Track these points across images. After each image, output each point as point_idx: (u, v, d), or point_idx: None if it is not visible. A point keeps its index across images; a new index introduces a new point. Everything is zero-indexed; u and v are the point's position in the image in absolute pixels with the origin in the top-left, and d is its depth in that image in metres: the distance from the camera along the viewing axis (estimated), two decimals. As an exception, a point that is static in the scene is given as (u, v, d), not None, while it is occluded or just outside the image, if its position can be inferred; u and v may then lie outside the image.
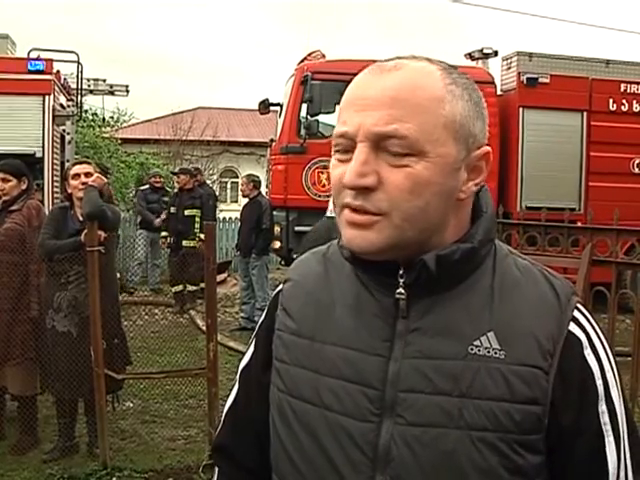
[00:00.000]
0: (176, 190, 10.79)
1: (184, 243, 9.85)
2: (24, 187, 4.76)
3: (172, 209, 10.27)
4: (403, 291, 1.02)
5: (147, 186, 11.81)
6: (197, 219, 9.94)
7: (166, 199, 11.42)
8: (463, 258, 1.02)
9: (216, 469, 1.25)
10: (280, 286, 1.20)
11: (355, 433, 1.01)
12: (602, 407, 0.99)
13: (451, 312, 1.02)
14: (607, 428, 0.99)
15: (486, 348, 0.99)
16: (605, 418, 0.99)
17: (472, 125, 1.02)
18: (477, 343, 0.99)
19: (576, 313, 1.03)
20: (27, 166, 5.18)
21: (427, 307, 1.02)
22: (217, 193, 14.91)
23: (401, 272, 1.02)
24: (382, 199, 0.97)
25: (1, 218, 4.70)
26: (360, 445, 1.00)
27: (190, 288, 9.88)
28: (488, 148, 1.05)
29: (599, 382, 1.00)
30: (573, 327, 1.01)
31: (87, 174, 4.62)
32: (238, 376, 1.23)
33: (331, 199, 4.60)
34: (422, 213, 0.99)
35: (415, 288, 1.02)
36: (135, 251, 11.56)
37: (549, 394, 0.97)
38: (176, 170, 11.55)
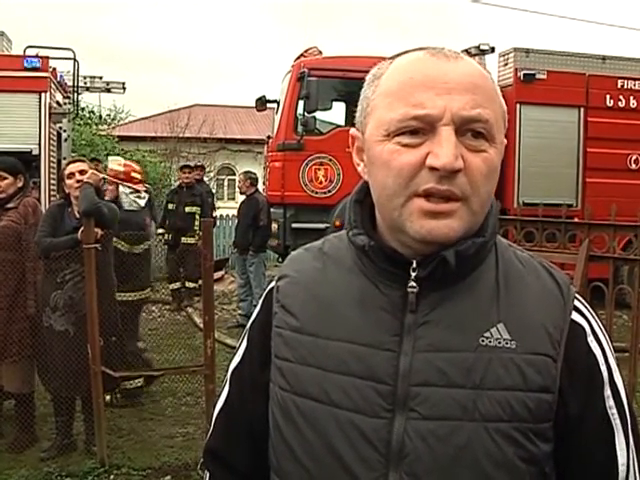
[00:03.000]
0: (174, 187, 10.74)
1: (183, 240, 9.80)
2: (20, 185, 4.75)
3: (170, 205, 10.16)
4: (415, 284, 1.01)
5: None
6: (197, 216, 9.88)
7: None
8: (476, 252, 1.02)
9: (207, 473, 1.21)
10: (272, 283, 1.16)
11: (366, 430, 0.99)
12: (607, 392, 1.01)
13: (460, 305, 1.02)
14: (613, 412, 1.01)
15: (497, 339, 0.99)
16: (610, 402, 1.01)
17: (506, 117, 1.07)
18: (487, 335, 1.00)
19: (576, 303, 1.05)
20: (24, 164, 5.18)
21: (436, 300, 1.02)
22: (214, 190, 14.89)
23: (414, 265, 1.01)
24: (465, 182, 0.97)
25: None
26: (372, 442, 0.99)
27: (188, 285, 9.85)
28: (505, 140, 1.08)
29: (603, 368, 1.02)
30: (575, 316, 1.03)
31: (81, 172, 4.62)
32: (229, 376, 1.20)
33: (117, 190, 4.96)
34: (489, 198, 1.02)
35: (426, 282, 1.01)
36: None
37: (557, 381, 0.98)
38: (192, 164, 11.39)
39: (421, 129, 0.98)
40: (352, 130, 1.11)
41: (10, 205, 4.69)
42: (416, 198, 0.98)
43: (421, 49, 1.04)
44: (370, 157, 1.04)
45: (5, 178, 4.69)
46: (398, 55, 1.06)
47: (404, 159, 0.98)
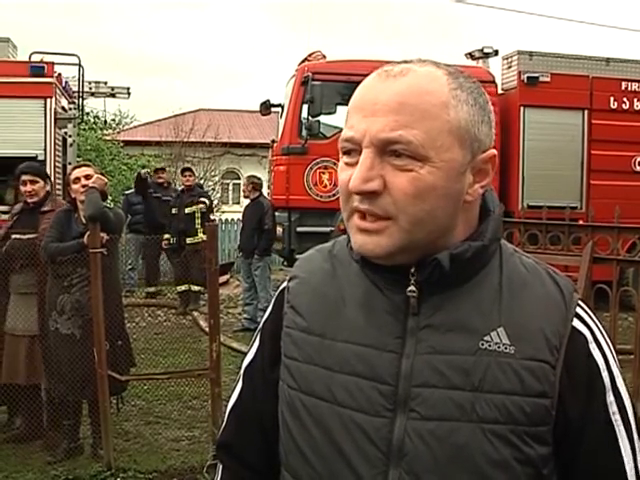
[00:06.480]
0: (178, 191, 10.77)
1: (188, 241, 9.81)
2: (48, 188, 4.93)
3: (173, 210, 10.17)
4: (414, 288, 1.03)
5: (132, 190, 11.59)
6: (198, 214, 9.91)
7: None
8: (474, 256, 1.04)
9: (220, 466, 1.25)
10: (284, 283, 1.20)
11: (368, 428, 1.02)
12: (610, 398, 1.02)
13: (461, 308, 1.04)
14: (616, 417, 1.02)
15: (496, 343, 1.01)
16: (614, 408, 1.02)
17: (477, 130, 1.03)
18: (487, 338, 1.01)
19: (578, 310, 1.06)
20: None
21: (438, 304, 1.04)
22: (219, 194, 14.91)
23: (412, 270, 1.03)
24: (389, 203, 0.99)
25: (32, 219, 4.79)
26: (374, 440, 1.01)
27: (194, 289, 9.85)
28: (494, 151, 1.07)
29: (605, 374, 1.03)
30: (577, 323, 1.04)
31: (87, 176, 4.66)
32: (242, 373, 1.23)
33: None
34: (429, 216, 1.00)
35: (426, 285, 1.03)
36: (127, 256, 11.34)
37: (556, 387, 1.00)
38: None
39: (354, 150, 1.03)
40: None
41: (46, 208, 4.82)
42: (356, 213, 1.03)
43: (384, 66, 1.06)
44: None
45: (37, 182, 4.83)
46: None
47: (343, 177, 1.05)
